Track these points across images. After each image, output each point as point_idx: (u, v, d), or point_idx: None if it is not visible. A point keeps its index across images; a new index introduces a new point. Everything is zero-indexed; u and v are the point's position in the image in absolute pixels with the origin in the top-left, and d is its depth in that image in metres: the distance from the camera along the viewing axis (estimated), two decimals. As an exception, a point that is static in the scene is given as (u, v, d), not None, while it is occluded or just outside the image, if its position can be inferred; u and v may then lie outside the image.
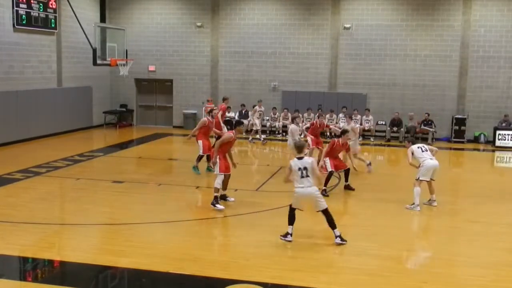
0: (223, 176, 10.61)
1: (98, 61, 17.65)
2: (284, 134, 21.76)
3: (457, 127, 20.88)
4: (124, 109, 24.19)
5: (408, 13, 21.44)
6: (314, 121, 15.44)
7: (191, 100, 23.61)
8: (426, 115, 20.89)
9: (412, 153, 11.11)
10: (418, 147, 11.17)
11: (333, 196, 12.11)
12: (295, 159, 8.68)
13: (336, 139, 12.50)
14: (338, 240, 8.64)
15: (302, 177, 8.49)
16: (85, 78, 22.08)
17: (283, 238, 8.75)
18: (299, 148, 8.85)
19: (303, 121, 19.83)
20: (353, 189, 12.43)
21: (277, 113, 22.20)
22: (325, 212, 8.63)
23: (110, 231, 9.11)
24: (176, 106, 23.89)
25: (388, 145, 20.41)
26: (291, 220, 8.75)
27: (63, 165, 14.65)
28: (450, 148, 20.01)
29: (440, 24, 21.26)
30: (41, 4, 19.03)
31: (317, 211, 8.67)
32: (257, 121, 21.03)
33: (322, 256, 8.28)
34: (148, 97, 24.48)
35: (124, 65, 18.83)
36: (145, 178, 13.64)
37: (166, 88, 24.05)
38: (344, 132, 12.56)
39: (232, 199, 11.14)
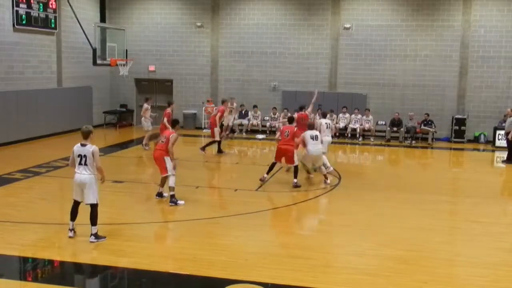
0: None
1: (98, 61, 17.68)
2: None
3: (457, 127, 20.87)
4: (124, 109, 24.18)
5: (408, 13, 21.43)
6: None
7: (191, 100, 23.61)
8: (426, 115, 20.89)
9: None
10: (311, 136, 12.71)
11: (333, 196, 12.12)
12: None
13: None
14: None
15: None
16: (85, 78, 22.07)
17: None
18: None
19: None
20: None
21: (277, 113, 22.19)
22: None
23: (110, 231, 9.09)
24: (176, 106, 23.83)
25: (388, 145, 20.39)
26: None
27: (63, 165, 14.62)
28: (450, 148, 20.01)
29: (440, 24, 21.25)
30: (41, 4, 19.01)
31: None
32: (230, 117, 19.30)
33: (322, 256, 8.28)
34: (148, 97, 24.38)
35: (124, 65, 18.85)
36: (145, 178, 13.64)
37: (166, 88, 24.04)
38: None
39: (166, 194, 11.09)
